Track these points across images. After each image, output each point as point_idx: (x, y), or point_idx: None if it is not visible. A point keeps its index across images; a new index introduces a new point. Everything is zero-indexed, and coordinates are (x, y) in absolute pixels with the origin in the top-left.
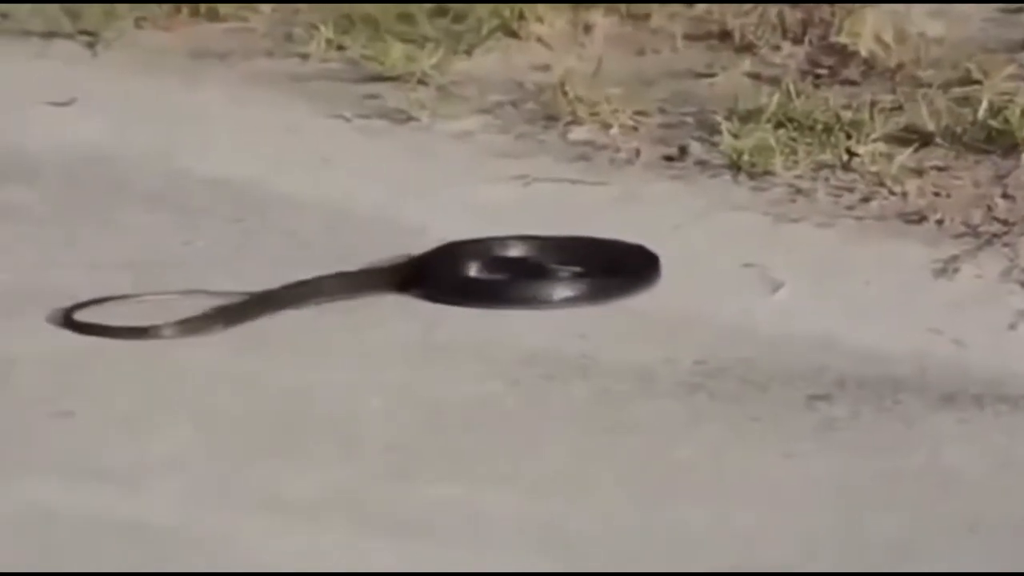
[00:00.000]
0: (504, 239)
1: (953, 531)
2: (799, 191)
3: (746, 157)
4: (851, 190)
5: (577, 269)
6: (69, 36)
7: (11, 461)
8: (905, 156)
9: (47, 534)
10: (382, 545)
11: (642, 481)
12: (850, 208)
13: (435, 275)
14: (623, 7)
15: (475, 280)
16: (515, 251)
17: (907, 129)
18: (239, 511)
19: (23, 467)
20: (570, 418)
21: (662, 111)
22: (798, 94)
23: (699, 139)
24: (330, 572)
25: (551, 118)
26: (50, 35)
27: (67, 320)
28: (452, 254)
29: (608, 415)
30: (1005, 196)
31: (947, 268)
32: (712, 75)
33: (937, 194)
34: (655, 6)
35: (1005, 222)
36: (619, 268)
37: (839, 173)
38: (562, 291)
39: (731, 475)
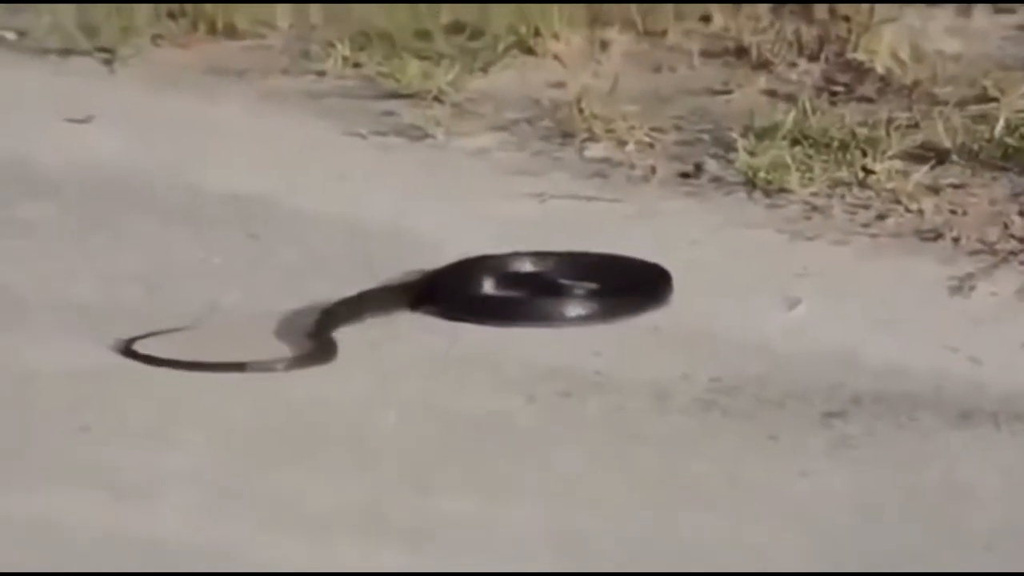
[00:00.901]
0: (517, 255)
1: (969, 548)
2: (815, 208)
3: (762, 174)
4: (867, 207)
5: (589, 286)
6: (86, 53)
7: (27, 473)
8: (921, 173)
9: (63, 546)
10: (398, 558)
11: (657, 497)
12: (866, 225)
13: (447, 292)
14: (640, 24)
15: (487, 297)
16: (527, 267)
17: (923, 146)
18: (255, 524)
19: (39, 480)
20: (585, 434)
21: (678, 128)
22: (814, 111)
23: (715, 156)
24: None
25: (567, 135)
26: (67, 52)
27: (143, 356)
28: (465, 271)
29: (623, 432)
30: (1021, 214)
31: (963, 285)
32: (728, 92)
33: (953, 211)
34: (671, 23)
35: (1021, 240)
36: (630, 285)
37: (855, 190)
38: (572, 310)
39: (746, 492)
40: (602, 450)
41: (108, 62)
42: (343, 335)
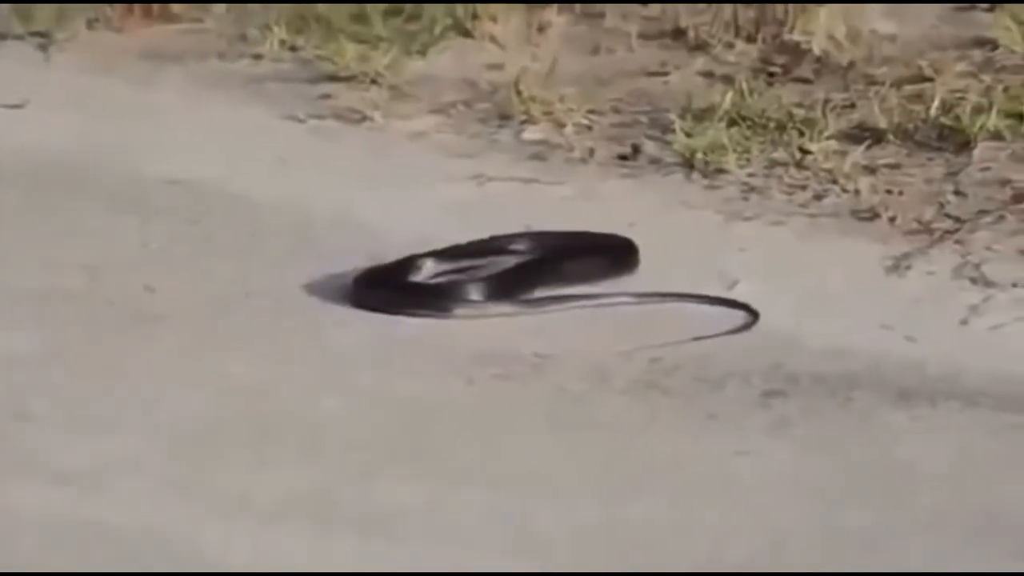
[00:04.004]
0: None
1: (909, 526)
2: (752, 189)
3: (699, 155)
4: (804, 188)
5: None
6: (20, 38)
7: None
8: (858, 153)
9: (8, 536)
10: (347, 544)
11: (601, 479)
12: (803, 206)
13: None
14: (577, 6)
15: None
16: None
17: (860, 127)
18: (201, 513)
19: None
20: (527, 417)
21: (616, 110)
22: (751, 92)
23: (653, 138)
24: (295, 573)
25: (505, 117)
26: (1, 37)
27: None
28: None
29: (565, 414)
30: (957, 193)
31: (899, 265)
32: (666, 74)
33: (889, 191)
34: (609, 5)
35: (957, 219)
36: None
37: (792, 171)
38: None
39: (690, 472)
40: (545, 433)
41: (43, 47)
42: (277, 320)
